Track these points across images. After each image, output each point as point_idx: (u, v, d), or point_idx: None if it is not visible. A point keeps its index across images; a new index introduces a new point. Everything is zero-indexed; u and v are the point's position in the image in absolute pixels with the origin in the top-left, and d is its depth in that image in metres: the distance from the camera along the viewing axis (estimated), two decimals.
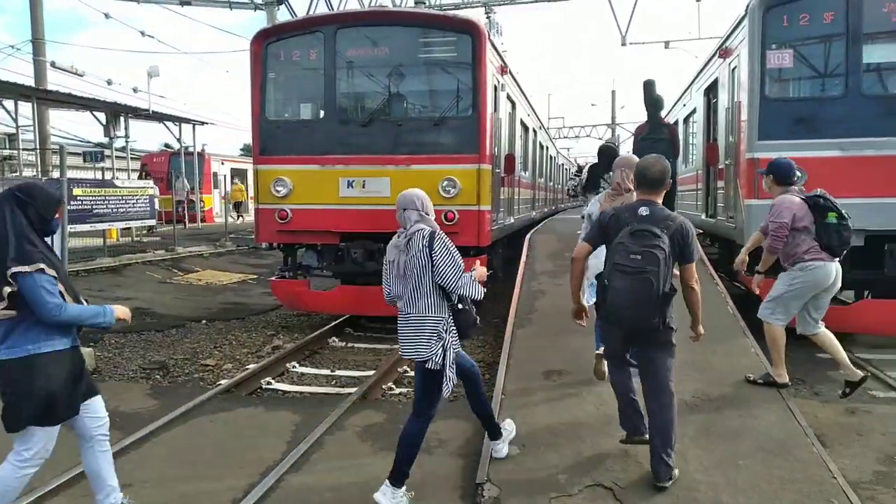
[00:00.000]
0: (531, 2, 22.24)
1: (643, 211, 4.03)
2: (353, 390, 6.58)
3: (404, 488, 4.06)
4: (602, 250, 4.24)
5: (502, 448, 4.51)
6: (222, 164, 29.69)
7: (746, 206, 7.74)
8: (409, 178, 8.34)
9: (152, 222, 17.84)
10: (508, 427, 4.69)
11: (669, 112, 14.12)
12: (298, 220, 8.80)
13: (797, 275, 5.59)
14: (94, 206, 14.16)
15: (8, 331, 3.35)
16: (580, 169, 23.59)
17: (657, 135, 8.76)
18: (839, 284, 5.64)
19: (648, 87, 9.09)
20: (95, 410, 3.72)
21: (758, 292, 6.04)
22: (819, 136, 7.44)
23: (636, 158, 5.22)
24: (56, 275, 3.40)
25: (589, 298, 4.97)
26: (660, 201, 4.14)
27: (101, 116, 19.71)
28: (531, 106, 15.45)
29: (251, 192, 14.64)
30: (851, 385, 5.68)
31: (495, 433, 4.51)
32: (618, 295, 3.87)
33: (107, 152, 20.43)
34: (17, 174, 18.91)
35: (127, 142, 21.01)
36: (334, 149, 8.69)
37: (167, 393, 6.71)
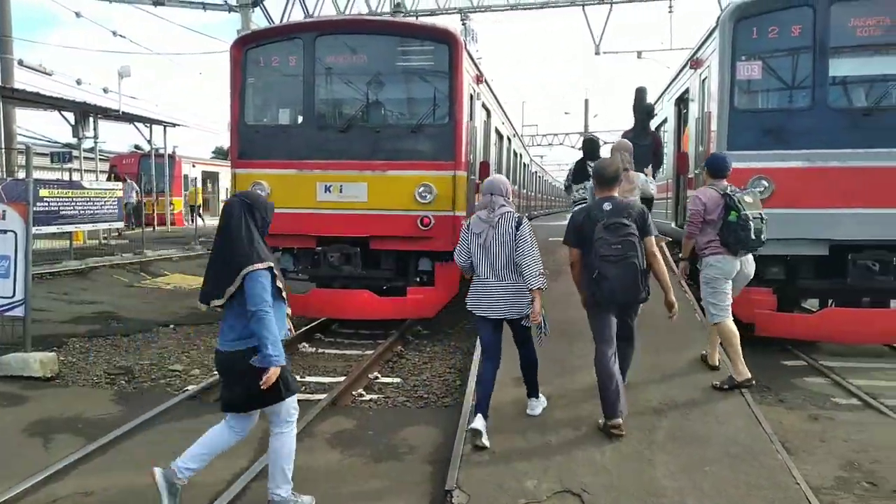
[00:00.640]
0: (506, 10, 22.38)
1: (606, 206, 4.84)
2: (322, 397, 6.52)
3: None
4: None
5: (536, 406, 5.25)
6: (193, 166, 29.39)
7: None
8: (387, 183, 8.59)
9: (120, 224, 17.55)
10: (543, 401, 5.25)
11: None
12: (275, 224, 8.70)
13: (705, 272, 5.93)
14: (61, 208, 13.88)
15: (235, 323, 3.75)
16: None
17: (641, 140, 8.94)
18: (748, 276, 5.99)
19: (641, 93, 9.48)
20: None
21: (682, 280, 6.37)
22: (786, 147, 7.57)
23: (629, 143, 6.66)
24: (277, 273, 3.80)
25: None
26: (616, 195, 4.97)
27: (70, 116, 19.35)
28: (505, 114, 15.70)
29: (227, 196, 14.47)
30: (734, 385, 5.64)
31: (534, 390, 5.26)
32: (611, 282, 4.66)
33: (75, 153, 20.06)
34: None
35: (96, 143, 20.62)
36: (312, 154, 8.78)
37: (132, 399, 6.58)
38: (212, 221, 28.61)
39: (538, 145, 51.23)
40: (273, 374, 3.65)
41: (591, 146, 9.22)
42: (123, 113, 21.74)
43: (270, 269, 3.73)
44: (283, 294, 3.89)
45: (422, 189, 8.49)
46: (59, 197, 13.94)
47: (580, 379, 5.72)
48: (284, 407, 3.91)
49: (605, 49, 23.09)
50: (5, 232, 7.26)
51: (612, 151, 5.95)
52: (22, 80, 19.69)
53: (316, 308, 9.08)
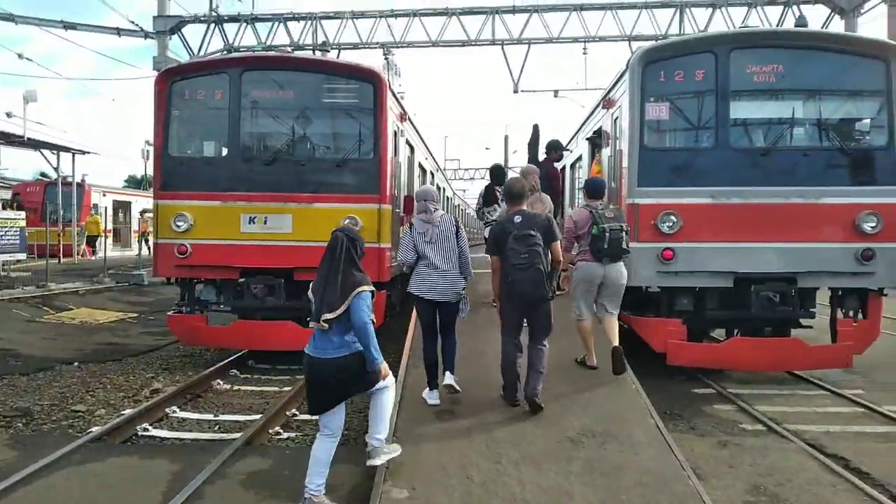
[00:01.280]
0: (428, 46, 22.72)
1: (517, 219, 5.76)
2: (237, 436, 6.30)
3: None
4: None
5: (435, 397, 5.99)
6: (104, 195, 28.20)
7: None
8: (312, 215, 8.73)
9: (22, 256, 16.60)
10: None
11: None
12: (198, 255, 8.88)
13: (573, 274, 6.88)
14: None
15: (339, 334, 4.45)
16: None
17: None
18: (618, 283, 6.76)
19: (535, 130, 11.12)
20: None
21: (565, 289, 7.05)
22: (693, 185, 7.95)
23: (535, 167, 8.67)
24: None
25: None
26: (525, 208, 5.97)
27: None
28: (429, 150, 16.12)
29: (150, 226, 13.99)
30: (583, 365, 6.91)
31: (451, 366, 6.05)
32: (520, 284, 5.60)
33: None
34: None
35: None
36: (237, 186, 8.86)
37: (30, 443, 6.17)
38: (115, 253, 27.49)
39: (460, 179, 52.18)
40: (384, 370, 4.57)
41: (498, 172, 10.08)
42: (28, 139, 20.72)
43: (372, 291, 4.54)
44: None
45: (347, 221, 8.58)
46: None
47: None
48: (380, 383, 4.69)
49: (524, 87, 23.74)
50: None
51: (520, 175, 6.88)
52: None
53: (239, 340, 9.13)
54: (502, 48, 22.62)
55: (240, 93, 8.96)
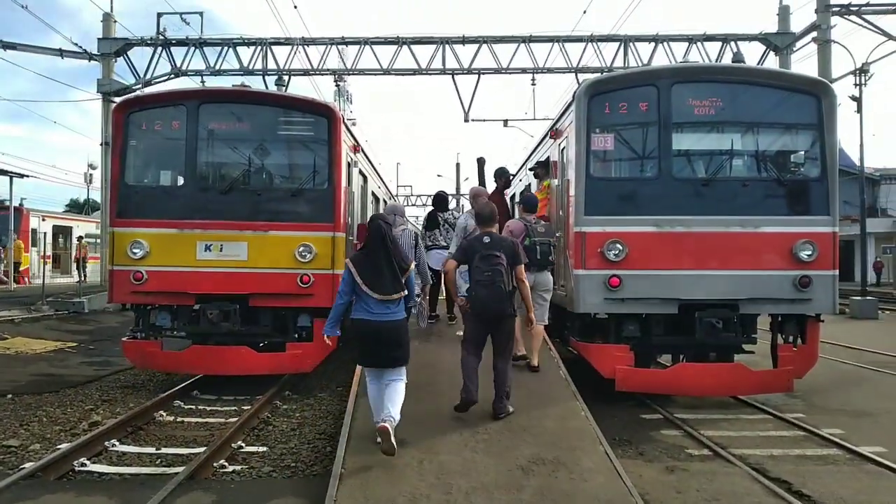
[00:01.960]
0: (380, 74, 22.88)
1: (486, 239, 6.29)
2: (179, 469, 6.09)
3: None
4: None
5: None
6: (43, 220, 27.35)
7: (575, 275, 8.20)
8: (267, 243, 8.99)
9: None
10: None
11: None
12: (154, 282, 8.96)
13: None
14: None
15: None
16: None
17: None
18: (546, 284, 7.79)
19: (480, 163, 12.31)
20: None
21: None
22: (638, 213, 8.14)
23: (483, 188, 10.37)
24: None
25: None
26: (494, 231, 6.52)
27: None
28: (381, 178, 16.59)
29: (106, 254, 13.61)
30: (519, 360, 7.49)
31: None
32: (482, 300, 6.11)
33: None
34: None
35: None
36: (193, 214, 9.01)
37: None
38: (63, 280, 26.61)
39: (413, 205, 52.48)
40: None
41: (440, 199, 10.61)
42: None
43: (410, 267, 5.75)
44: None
45: (302, 249, 8.91)
46: None
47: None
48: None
49: (474, 116, 24.13)
50: None
51: (470, 198, 8.28)
52: None
53: (193, 364, 9.19)
54: (453, 77, 22.99)
55: (197, 124, 9.18)
